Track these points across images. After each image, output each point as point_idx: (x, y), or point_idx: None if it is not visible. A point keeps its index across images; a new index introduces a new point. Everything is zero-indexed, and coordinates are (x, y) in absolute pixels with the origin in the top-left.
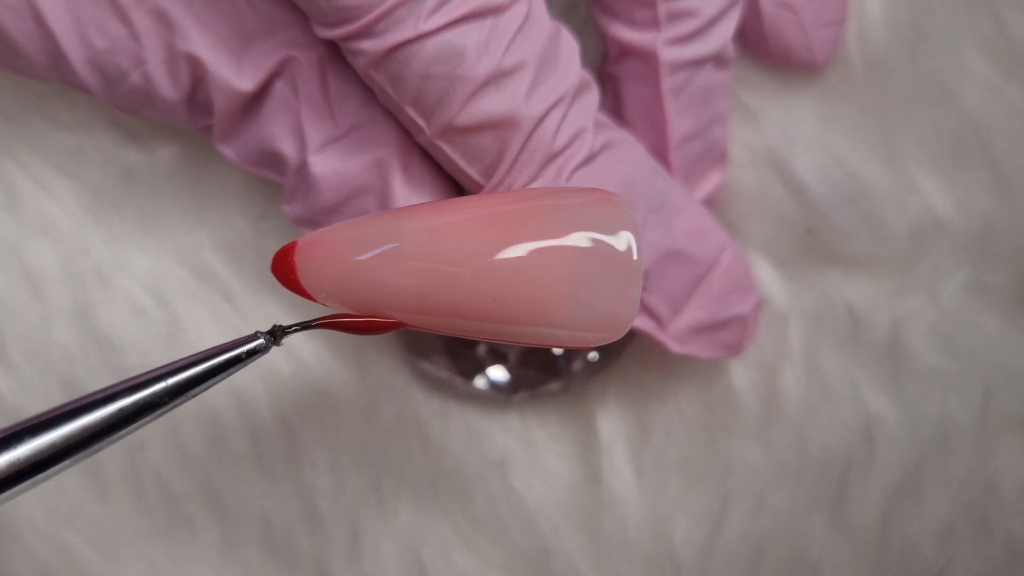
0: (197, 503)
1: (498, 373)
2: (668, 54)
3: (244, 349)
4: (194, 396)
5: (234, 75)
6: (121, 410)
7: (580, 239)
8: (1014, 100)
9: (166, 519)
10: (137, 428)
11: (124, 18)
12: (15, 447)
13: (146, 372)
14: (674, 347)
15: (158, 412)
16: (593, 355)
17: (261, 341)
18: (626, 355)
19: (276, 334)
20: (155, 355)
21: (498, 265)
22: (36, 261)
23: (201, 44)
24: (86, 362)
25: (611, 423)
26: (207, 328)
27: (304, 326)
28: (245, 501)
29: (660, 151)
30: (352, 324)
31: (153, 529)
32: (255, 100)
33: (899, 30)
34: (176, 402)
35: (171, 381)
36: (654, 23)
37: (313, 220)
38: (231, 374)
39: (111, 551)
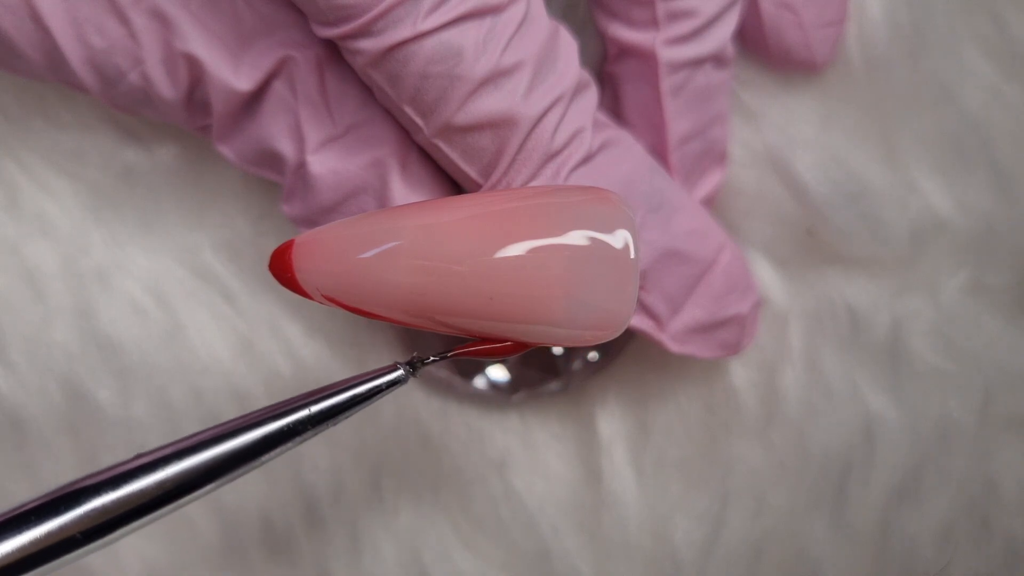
0: (198, 503)
1: (498, 373)
2: (667, 54)
3: (385, 380)
4: (333, 425)
5: (232, 75)
6: (266, 436)
7: (577, 237)
8: (1014, 100)
9: (167, 519)
10: (276, 455)
11: (122, 18)
12: (163, 469)
13: (288, 400)
14: (673, 347)
15: (298, 439)
16: (593, 354)
17: (401, 372)
18: (626, 355)
19: (415, 365)
20: (155, 355)
21: (496, 263)
22: (36, 261)
23: (199, 44)
24: (86, 362)
25: (611, 423)
26: (207, 328)
27: (441, 357)
28: (246, 501)
29: (659, 151)
30: (485, 351)
31: (154, 529)
32: (253, 100)
33: (899, 30)
34: (316, 430)
35: (314, 409)
36: (653, 23)
37: (312, 220)
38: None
39: (111, 551)
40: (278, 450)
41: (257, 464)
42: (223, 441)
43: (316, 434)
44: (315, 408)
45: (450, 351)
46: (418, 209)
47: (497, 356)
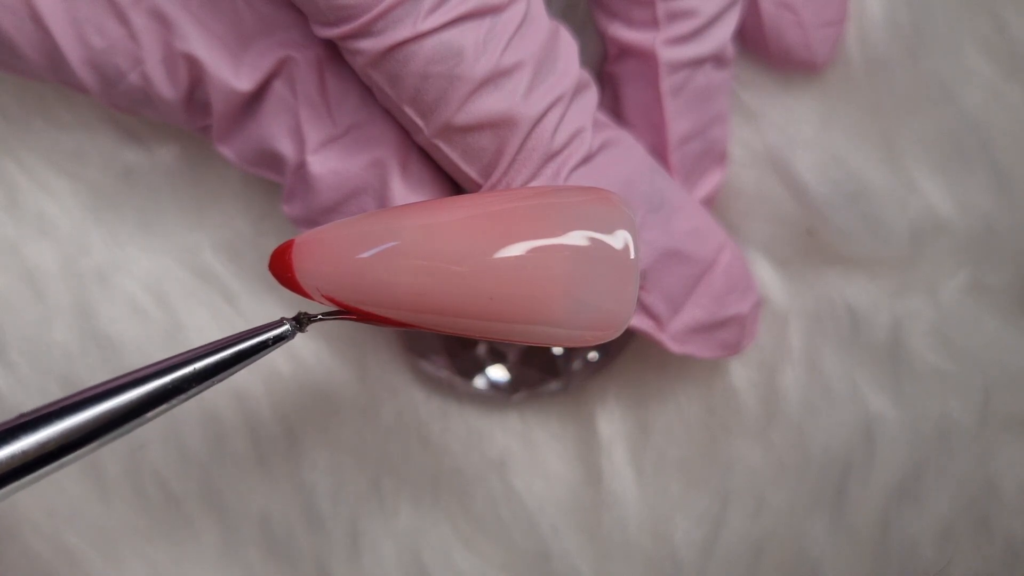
0: (197, 503)
1: (498, 373)
2: (667, 54)
3: (271, 335)
4: (220, 381)
5: (232, 75)
6: (148, 393)
7: (577, 238)
8: (1014, 100)
9: (166, 519)
10: (162, 412)
11: (122, 18)
12: (45, 428)
13: (173, 357)
14: (673, 347)
15: (184, 396)
16: (593, 354)
17: (287, 327)
18: (626, 354)
19: (301, 321)
20: (155, 355)
21: (496, 264)
22: (36, 261)
23: (199, 44)
24: (86, 362)
25: (611, 423)
26: (207, 328)
27: (330, 316)
28: (245, 501)
29: (659, 151)
30: (369, 316)
31: (153, 529)
32: (253, 100)
33: (899, 30)
34: (202, 387)
35: (199, 366)
36: (653, 23)
37: (312, 220)
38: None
39: (111, 551)
40: (163, 407)
41: (142, 422)
42: (107, 399)
43: (201, 391)
44: (199, 365)
45: (338, 311)
46: (418, 209)
47: (385, 325)
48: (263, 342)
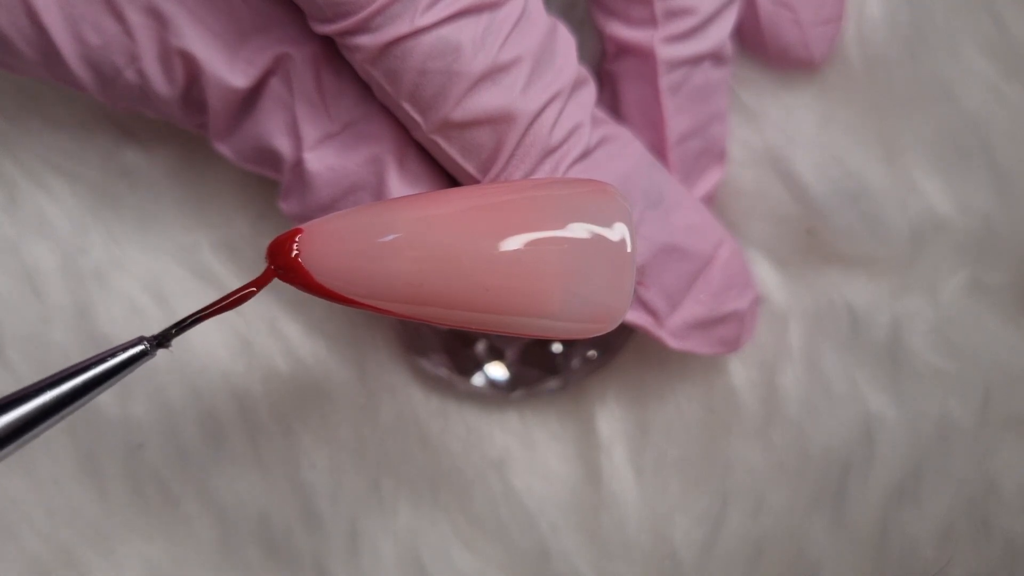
0: (196, 503)
1: (497, 371)
2: (665, 52)
3: (128, 355)
4: (80, 407)
5: (228, 72)
6: (11, 424)
7: (574, 230)
8: (1014, 100)
9: (165, 519)
10: (23, 444)
11: (118, 14)
12: None
13: (31, 384)
14: (672, 343)
15: (45, 425)
16: (592, 352)
17: (144, 346)
18: (625, 353)
19: (162, 338)
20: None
21: (493, 256)
22: (35, 261)
23: (195, 41)
24: None
25: (611, 423)
26: (206, 328)
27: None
28: (244, 501)
29: (658, 149)
30: (227, 305)
31: (152, 529)
32: (250, 97)
33: (899, 30)
34: (62, 414)
35: (58, 391)
36: (651, 21)
37: (309, 217)
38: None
39: (110, 551)
40: (25, 437)
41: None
42: None
43: (63, 418)
44: (59, 390)
45: (196, 314)
46: (417, 201)
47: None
48: (120, 363)
